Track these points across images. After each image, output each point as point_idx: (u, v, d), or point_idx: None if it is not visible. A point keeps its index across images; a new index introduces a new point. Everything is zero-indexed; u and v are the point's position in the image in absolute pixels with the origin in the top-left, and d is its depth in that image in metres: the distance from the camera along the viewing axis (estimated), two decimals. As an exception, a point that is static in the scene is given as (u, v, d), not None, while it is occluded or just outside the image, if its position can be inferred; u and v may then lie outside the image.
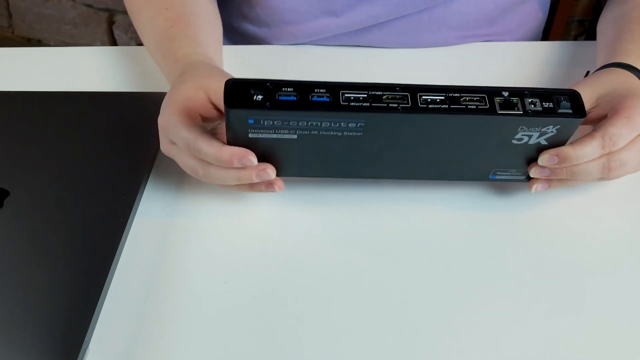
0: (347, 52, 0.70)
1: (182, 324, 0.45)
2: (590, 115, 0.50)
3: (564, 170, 0.48)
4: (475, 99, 0.44)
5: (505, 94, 0.44)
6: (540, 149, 0.47)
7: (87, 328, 0.42)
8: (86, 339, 0.42)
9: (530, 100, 0.44)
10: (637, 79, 0.52)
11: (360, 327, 0.44)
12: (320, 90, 0.43)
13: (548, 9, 0.79)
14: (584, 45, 0.71)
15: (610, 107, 0.49)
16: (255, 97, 0.42)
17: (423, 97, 0.43)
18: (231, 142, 0.46)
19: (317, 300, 0.46)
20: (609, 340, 0.44)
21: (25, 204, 0.50)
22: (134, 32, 0.73)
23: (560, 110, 0.44)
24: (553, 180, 0.50)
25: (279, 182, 0.48)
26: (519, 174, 0.50)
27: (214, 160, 0.46)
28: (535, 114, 0.44)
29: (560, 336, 0.44)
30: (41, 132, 0.57)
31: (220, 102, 0.49)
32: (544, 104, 0.44)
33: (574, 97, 0.45)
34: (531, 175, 0.49)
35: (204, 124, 0.49)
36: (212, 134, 0.48)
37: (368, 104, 0.43)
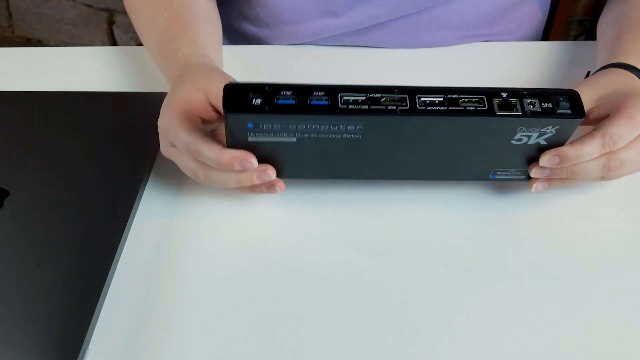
0: (347, 52, 0.70)
1: (182, 324, 0.45)
2: (591, 116, 0.50)
3: (564, 169, 0.48)
4: (473, 100, 0.44)
5: (504, 94, 0.44)
6: (540, 149, 0.47)
7: (87, 328, 0.42)
8: (86, 339, 0.42)
9: (529, 100, 0.44)
10: (637, 79, 0.52)
11: (360, 327, 0.44)
12: (319, 93, 0.43)
13: (548, 9, 0.79)
14: (584, 45, 0.71)
15: (611, 107, 0.49)
16: (254, 101, 0.42)
17: (422, 99, 0.43)
18: (231, 145, 0.45)
19: (317, 300, 0.46)
20: (609, 340, 0.44)
21: (25, 204, 0.50)
22: (134, 32, 0.73)
23: (559, 110, 0.44)
24: (553, 179, 0.50)
25: (280, 183, 0.48)
26: (519, 173, 0.50)
27: (214, 164, 0.46)
28: (534, 114, 0.44)
29: (560, 336, 0.44)
30: (41, 132, 0.57)
31: (220, 105, 0.49)
32: (542, 104, 0.44)
33: (573, 97, 0.45)
34: (532, 176, 0.49)
35: (203, 125, 0.49)
36: (212, 135, 0.48)
37: (366, 107, 0.42)
